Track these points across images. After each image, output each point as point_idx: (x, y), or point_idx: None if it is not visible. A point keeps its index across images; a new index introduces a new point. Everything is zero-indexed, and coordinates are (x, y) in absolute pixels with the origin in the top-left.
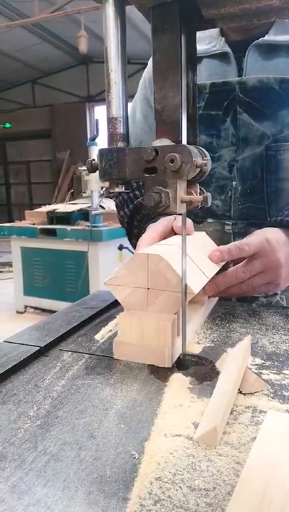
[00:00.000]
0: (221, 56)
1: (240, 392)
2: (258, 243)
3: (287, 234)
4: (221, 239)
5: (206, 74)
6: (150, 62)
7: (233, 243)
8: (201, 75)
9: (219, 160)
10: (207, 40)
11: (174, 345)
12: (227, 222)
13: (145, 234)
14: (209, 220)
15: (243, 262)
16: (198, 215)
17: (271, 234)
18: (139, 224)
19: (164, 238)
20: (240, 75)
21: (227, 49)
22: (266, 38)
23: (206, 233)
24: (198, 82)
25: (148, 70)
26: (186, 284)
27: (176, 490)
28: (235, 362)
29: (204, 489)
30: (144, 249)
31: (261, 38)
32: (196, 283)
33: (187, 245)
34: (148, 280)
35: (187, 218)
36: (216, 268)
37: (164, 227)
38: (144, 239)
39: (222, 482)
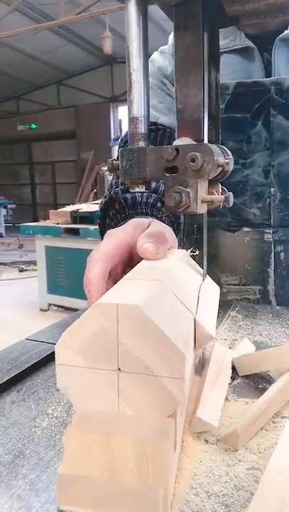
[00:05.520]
0: (244, 51)
1: None
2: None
3: None
4: (260, 248)
5: (227, 72)
6: (156, 54)
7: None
8: (221, 73)
9: (252, 166)
10: (222, 35)
11: (174, 486)
12: (267, 231)
13: (94, 252)
14: (246, 229)
15: None
16: (232, 224)
17: None
18: (110, 223)
19: (118, 258)
20: (267, 73)
21: (250, 43)
22: None
23: (243, 243)
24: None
25: (161, 59)
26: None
27: (194, 494)
28: None
29: (222, 495)
30: (108, 293)
31: (286, 32)
32: (209, 323)
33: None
34: (118, 355)
35: (160, 229)
36: (215, 305)
37: (124, 239)
38: (94, 262)
39: (241, 488)
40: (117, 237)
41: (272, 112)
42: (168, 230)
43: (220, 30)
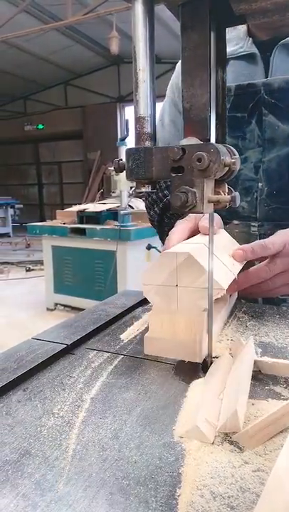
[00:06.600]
0: (248, 57)
1: None
2: (280, 242)
3: None
4: (247, 240)
5: (232, 76)
6: (178, 66)
7: (256, 241)
8: (227, 77)
9: (245, 162)
10: (234, 42)
11: (204, 341)
12: (253, 224)
13: (174, 230)
14: (235, 222)
15: (265, 261)
16: (225, 217)
17: None
18: (169, 221)
19: (194, 234)
20: (266, 76)
21: (254, 50)
22: None
23: (233, 235)
24: None
25: (176, 75)
26: (212, 284)
27: (199, 496)
28: None
29: (228, 496)
30: (172, 248)
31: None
32: (224, 280)
33: (214, 244)
34: (177, 278)
35: (216, 215)
36: (240, 266)
37: (192, 224)
38: (173, 234)
39: (246, 490)
40: (185, 224)
41: (263, 112)
42: (218, 218)
43: (233, 37)
